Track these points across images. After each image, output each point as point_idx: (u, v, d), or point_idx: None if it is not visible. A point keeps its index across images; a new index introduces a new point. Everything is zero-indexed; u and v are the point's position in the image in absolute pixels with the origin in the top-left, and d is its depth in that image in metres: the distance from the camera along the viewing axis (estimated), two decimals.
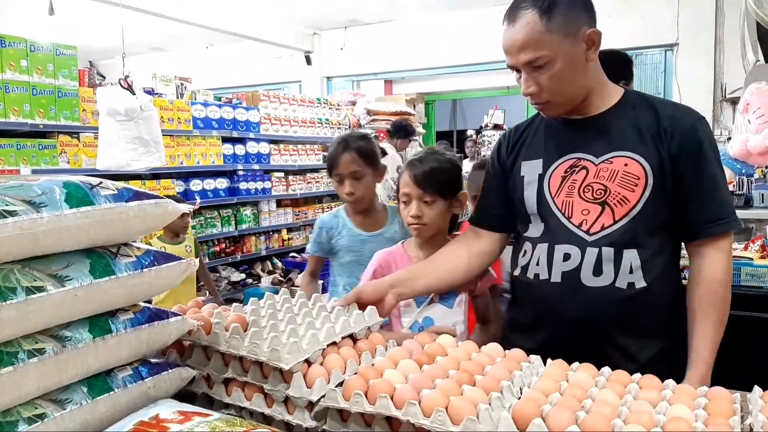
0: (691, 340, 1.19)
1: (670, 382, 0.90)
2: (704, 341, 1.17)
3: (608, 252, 1.19)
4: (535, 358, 0.99)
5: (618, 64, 2.16)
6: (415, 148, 7.25)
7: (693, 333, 1.19)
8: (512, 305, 1.42)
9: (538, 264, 1.27)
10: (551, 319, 1.25)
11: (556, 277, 1.23)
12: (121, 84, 3.37)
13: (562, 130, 1.28)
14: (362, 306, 1.16)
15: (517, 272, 1.34)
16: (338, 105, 5.97)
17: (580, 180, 1.24)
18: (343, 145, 1.82)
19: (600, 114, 1.25)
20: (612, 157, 1.21)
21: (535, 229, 1.30)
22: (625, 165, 1.20)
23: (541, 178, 1.28)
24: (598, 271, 1.20)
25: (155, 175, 3.97)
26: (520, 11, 1.16)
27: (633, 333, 1.21)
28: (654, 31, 5.53)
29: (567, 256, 1.22)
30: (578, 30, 1.16)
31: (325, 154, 5.52)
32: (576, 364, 0.96)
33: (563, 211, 1.25)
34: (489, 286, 1.58)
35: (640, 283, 1.19)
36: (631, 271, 1.19)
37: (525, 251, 1.32)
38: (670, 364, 1.16)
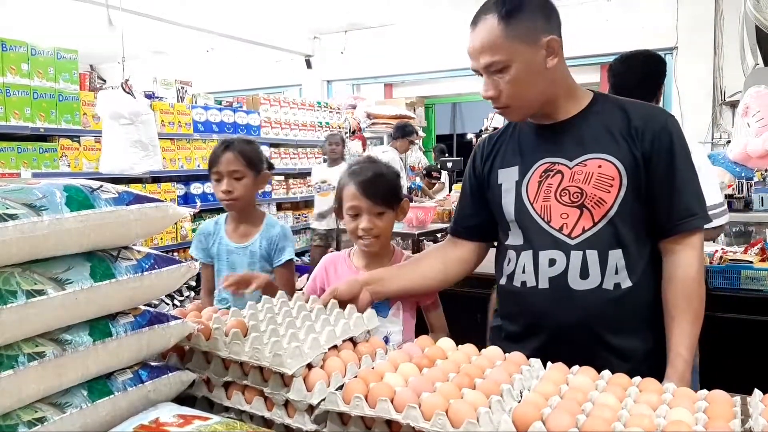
0: (668, 338, 1.19)
1: (671, 385, 0.90)
2: (681, 339, 1.17)
3: (593, 254, 1.20)
4: (535, 362, 0.99)
5: (654, 64, 2.16)
6: (416, 152, 7.27)
7: (670, 332, 1.20)
8: (502, 315, 1.38)
9: (524, 272, 1.26)
10: (543, 326, 1.24)
11: (543, 284, 1.23)
12: (123, 88, 3.38)
13: (535, 136, 1.29)
14: (341, 304, 1.21)
15: (503, 281, 1.34)
16: (338, 108, 5.99)
17: (555, 184, 1.24)
18: (226, 144, 1.82)
19: (570, 118, 1.26)
20: (585, 160, 1.22)
21: (516, 236, 1.30)
22: (599, 166, 1.21)
23: (518, 184, 1.29)
24: (584, 273, 1.20)
25: (156, 179, 3.98)
26: (482, 16, 1.18)
27: (623, 332, 1.22)
28: (653, 34, 5.54)
29: (552, 262, 1.22)
30: (537, 37, 1.17)
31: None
32: (576, 368, 0.96)
33: (542, 216, 1.25)
34: (433, 296, 1.56)
35: (626, 283, 1.20)
36: (616, 272, 1.20)
37: (509, 259, 1.31)
38: (662, 359, 1.18)
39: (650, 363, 1.18)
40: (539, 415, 0.78)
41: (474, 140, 9.04)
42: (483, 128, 8.86)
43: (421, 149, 8.15)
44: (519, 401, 0.84)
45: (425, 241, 4.86)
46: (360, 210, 1.45)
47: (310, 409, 0.90)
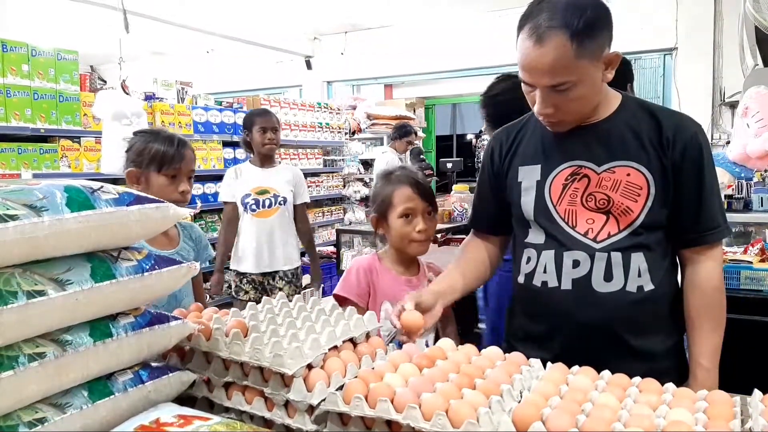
0: (690, 348, 1.22)
1: (670, 385, 0.90)
2: (703, 349, 1.20)
3: (617, 256, 1.20)
4: (535, 362, 0.99)
5: (622, 66, 2.16)
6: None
7: (692, 341, 1.22)
8: (517, 314, 1.37)
9: (545, 271, 1.25)
10: (565, 327, 1.23)
11: (566, 285, 1.22)
12: (123, 88, 3.39)
13: (561, 136, 1.27)
14: (422, 310, 1.17)
15: (521, 279, 1.31)
16: (338, 109, 5.98)
17: (582, 188, 1.23)
18: (183, 143, 1.74)
19: (600, 121, 1.24)
20: (614, 167, 1.21)
21: (537, 235, 1.28)
22: (628, 175, 1.20)
23: (540, 184, 1.27)
24: (608, 276, 1.20)
25: None
26: (548, 31, 1.08)
27: (644, 334, 1.22)
28: (653, 35, 5.55)
29: (576, 263, 1.21)
30: (603, 53, 1.12)
31: (326, 158, 5.55)
32: (576, 368, 0.96)
33: (567, 219, 1.24)
34: None
35: (648, 286, 1.20)
36: (639, 275, 1.20)
37: (528, 258, 1.29)
38: (678, 360, 1.22)
39: (668, 364, 1.21)
40: (539, 416, 0.78)
41: (474, 141, 9.04)
42: (482, 129, 8.86)
43: (422, 152, 8.12)
44: (519, 401, 0.84)
45: None
46: (415, 211, 1.45)
47: (311, 409, 0.90)
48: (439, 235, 5.14)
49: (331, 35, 7.42)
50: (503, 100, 2.01)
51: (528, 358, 1.00)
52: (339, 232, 4.68)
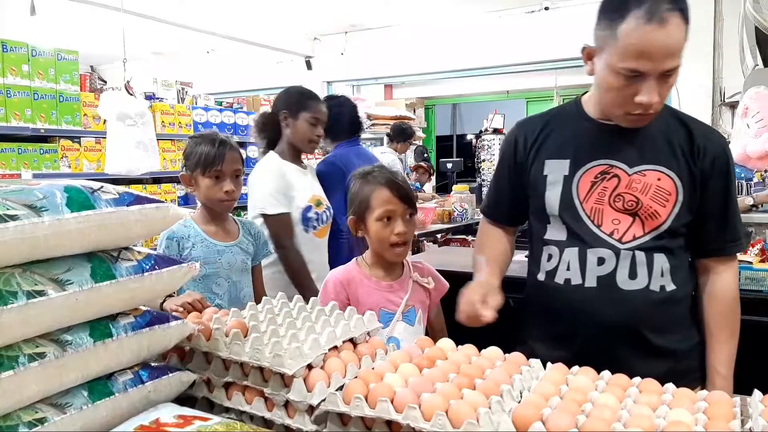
0: (708, 355, 1.24)
1: (670, 386, 0.90)
2: (720, 356, 1.23)
3: (641, 255, 1.21)
4: (535, 362, 0.99)
5: None
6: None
7: (710, 348, 1.24)
8: (535, 313, 1.34)
9: (568, 269, 1.24)
10: (587, 325, 1.22)
11: (590, 282, 1.22)
12: (126, 89, 3.39)
13: (594, 133, 1.25)
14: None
15: (541, 276, 1.30)
16: None
17: (610, 188, 1.22)
18: (225, 143, 1.76)
19: None
20: (645, 170, 1.21)
21: (558, 231, 1.27)
22: (658, 179, 1.20)
23: (567, 180, 1.25)
24: (633, 274, 1.20)
25: (156, 179, 3.98)
26: (669, 13, 1.05)
27: (665, 333, 1.23)
28: None
29: (601, 260, 1.21)
30: None
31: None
32: (576, 368, 0.96)
33: (592, 218, 1.23)
34: (442, 295, 1.56)
35: (671, 286, 1.22)
36: (662, 275, 1.21)
37: (549, 255, 1.28)
38: (701, 359, 1.24)
39: (689, 364, 1.24)
40: (539, 416, 0.78)
41: (474, 141, 9.04)
42: (483, 129, 8.88)
43: (426, 152, 8.13)
44: (519, 402, 0.84)
45: (425, 241, 4.85)
46: (394, 214, 1.41)
47: (311, 409, 0.90)
48: (439, 236, 5.15)
49: (331, 35, 7.42)
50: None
51: (547, 358, 1.00)
52: None
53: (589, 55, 1.20)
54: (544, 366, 0.98)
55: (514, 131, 1.39)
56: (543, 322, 1.32)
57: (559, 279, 1.26)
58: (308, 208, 2.17)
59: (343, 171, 2.32)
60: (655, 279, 1.20)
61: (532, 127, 1.35)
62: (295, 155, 2.25)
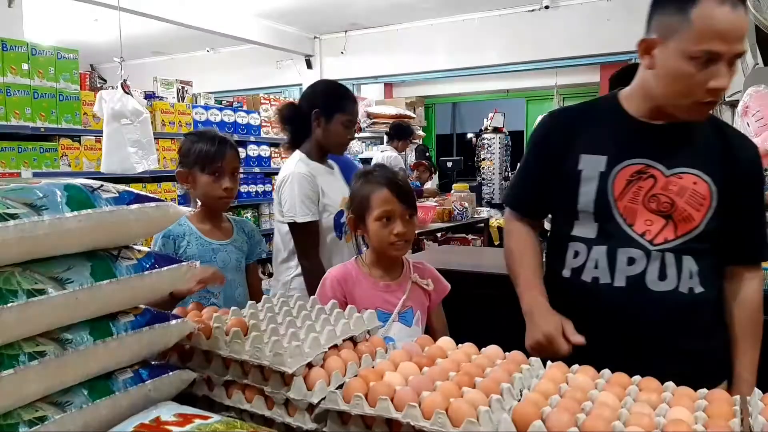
0: (734, 361, 1.24)
1: (670, 384, 0.90)
2: (746, 363, 1.23)
3: (670, 257, 1.20)
4: (535, 360, 0.99)
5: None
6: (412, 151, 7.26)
7: (735, 355, 1.24)
8: (558, 311, 1.30)
9: (596, 267, 1.23)
10: (613, 324, 1.22)
11: (619, 282, 1.21)
12: (123, 88, 3.39)
13: (632, 130, 1.23)
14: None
15: (566, 273, 1.28)
16: None
17: (646, 188, 1.21)
18: (225, 141, 1.76)
19: (675, 123, 1.21)
20: (683, 173, 1.20)
21: (586, 229, 1.25)
22: (695, 183, 1.19)
23: (603, 176, 1.23)
24: (662, 275, 1.20)
25: (156, 178, 3.98)
26: None
27: (692, 335, 1.23)
28: None
29: (631, 261, 1.20)
30: None
31: None
32: (576, 366, 0.96)
33: (625, 217, 1.22)
34: (443, 297, 1.55)
35: (699, 289, 1.21)
36: (690, 277, 1.21)
37: (576, 252, 1.26)
38: (726, 358, 1.24)
39: (711, 366, 1.23)
40: (539, 414, 0.78)
41: (474, 140, 9.03)
42: (483, 128, 8.87)
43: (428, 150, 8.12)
44: (519, 400, 0.84)
45: (425, 240, 4.85)
46: (393, 214, 1.40)
47: (311, 408, 0.90)
48: (439, 234, 5.15)
49: (331, 34, 7.42)
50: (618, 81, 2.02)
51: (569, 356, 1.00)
52: None
53: (648, 48, 1.17)
54: (545, 365, 0.98)
55: (548, 122, 1.36)
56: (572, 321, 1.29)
57: (586, 277, 1.24)
58: (340, 214, 2.04)
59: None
60: (684, 281, 1.20)
61: (568, 118, 1.33)
62: (322, 155, 2.11)
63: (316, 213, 1.98)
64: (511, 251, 1.37)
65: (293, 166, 2.03)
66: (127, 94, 3.39)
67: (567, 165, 1.27)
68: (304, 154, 2.06)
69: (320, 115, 2.02)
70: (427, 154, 6.66)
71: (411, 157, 7.01)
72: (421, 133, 7.99)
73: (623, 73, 2.22)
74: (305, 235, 1.97)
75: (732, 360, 1.25)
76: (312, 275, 1.90)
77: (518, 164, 1.47)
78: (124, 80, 3.41)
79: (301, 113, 2.08)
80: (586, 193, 1.23)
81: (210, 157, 1.72)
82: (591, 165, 1.24)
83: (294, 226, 1.97)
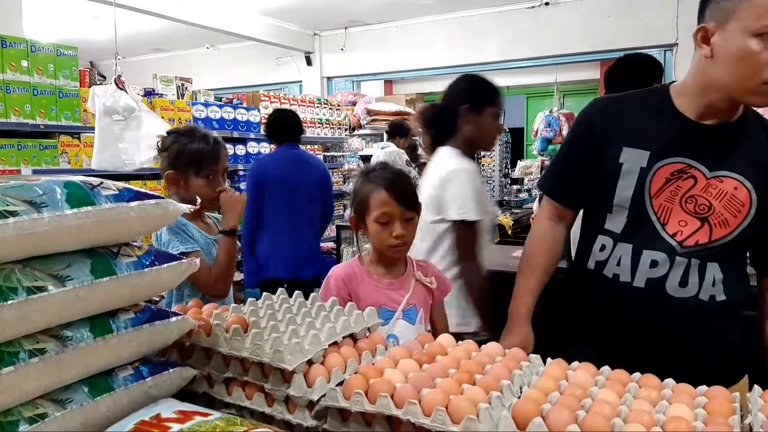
0: None
1: (670, 381, 0.90)
2: None
3: (695, 263, 1.17)
4: (535, 358, 0.99)
5: (654, 68, 2.15)
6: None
7: None
8: (576, 304, 1.31)
9: (619, 264, 1.21)
10: (627, 324, 1.21)
11: (639, 282, 1.19)
12: (117, 84, 3.37)
13: (678, 128, 1.20)
14: None
15: (591, 264, 1.26)
16: (338, 105, 5.98)
17: (684, 189, 1.18)
18: (218, 142, 1.76)
19: (724, 125, 1.18)
20: (723, 176, 1.17)
21: (617, 223, 1.22)
22: (735, 188, 1.16)
23: (643, 172, 1.20)
24: (684, 282, 1.18)
25: (156, 175, 3.97)
26: None
27: (708, 341, 1.21)
28: (653, 31, 5.54)
29: (654, 263, 1.18)
30: None
31: (326, 154, 5.55)
32: (576, 364, 0.96)
33: (659, 215, 1.19)
34: (446, 295, 1.55)
35: (721, 297, 1.19)
36: (713, 284, 1.18)
37: (603, 245, 1.24)
38: (731, 364, 1.22)
39: (724, 368, 1.18)
40: (539, 411, 0.78)
41: None
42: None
43: (421, 145, 8.12)
44: (519, 397, 0.84)
45: None
46: (392, 216, 1.38)
47: (311, 405, 0.90)
48: None
49: (331, 31, 7.41)
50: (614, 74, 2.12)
51: (579, 353, 0.99)
52: (339, 228, 4.69)
53: (705, 37, 1.13)
54: (545, 362, 0.98)
55: (592, 110, 1.32)
56: (590, 318, 1.29)
57: (608, 272, 1.23)
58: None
59: None
60: (705, 288, 1.17)
61: (613, 107, 1.29)
62: (470, 153, 1.97)
63: (483, 212, 1.85)
64: (524, 251, 1.39)
65: (455, 161, 1.87)
66: (121, 90, 3.35)
67: (608, 155, 1.24)
68: (454, 150, 1.92)
69: (470, 110, 1.92)
70: (418, 152, 6.63)
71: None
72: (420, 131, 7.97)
73: (617, 68, 2.20)
74: (473, 235, 1.81)
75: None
76: (477, 275, 1.79)
77: (556, 151, 1.44)
78: (118, 76, 3.38)
79: (443, 112, 2.00)
80: (624, 188, 1.21)
81: (206, 160, 1.70)
82: (632, 159, 1.21)
83: (462, 225, 1.79)
